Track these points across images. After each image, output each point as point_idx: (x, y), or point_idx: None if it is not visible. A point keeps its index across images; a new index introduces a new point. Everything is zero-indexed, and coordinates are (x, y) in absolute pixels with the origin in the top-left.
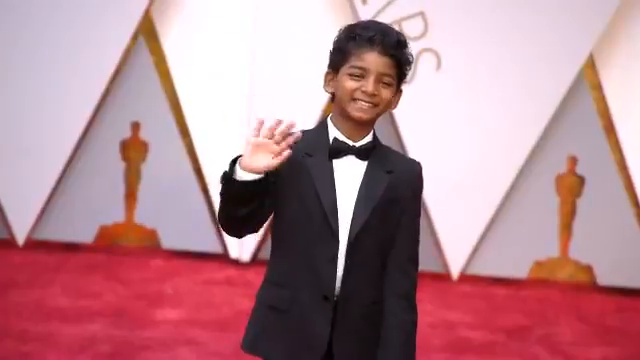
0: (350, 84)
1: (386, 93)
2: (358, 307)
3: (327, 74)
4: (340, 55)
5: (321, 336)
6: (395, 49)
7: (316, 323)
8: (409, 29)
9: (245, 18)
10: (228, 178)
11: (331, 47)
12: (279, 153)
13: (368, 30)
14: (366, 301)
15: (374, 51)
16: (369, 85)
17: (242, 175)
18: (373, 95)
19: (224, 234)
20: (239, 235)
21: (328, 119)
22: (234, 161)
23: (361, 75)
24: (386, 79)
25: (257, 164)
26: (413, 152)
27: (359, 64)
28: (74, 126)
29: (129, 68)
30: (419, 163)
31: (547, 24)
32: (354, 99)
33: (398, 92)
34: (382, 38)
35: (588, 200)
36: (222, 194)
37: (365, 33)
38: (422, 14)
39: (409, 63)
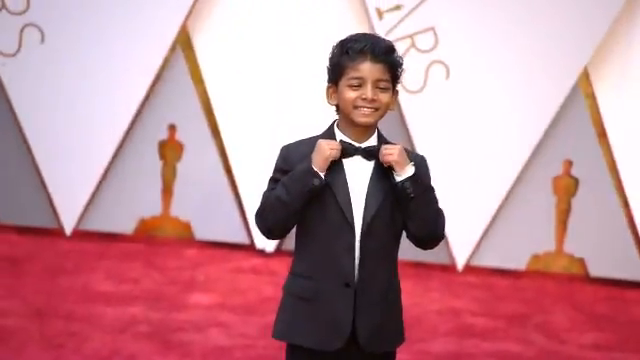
0: (350, 94)
1: (384, 97)
2: (376, 289)
3: (328, 88)
4: (337, 70)
5: (345, 320)
6: (385, 54)
7: (340, 309)
8: (421, 43)
9: (269, 32)
10: (313, 188)
11: (327, 63)
12: None
13: (358, 42)
14: (382, 283)
15: (367, 60)
16: (368, 92)
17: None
18: (373, 100)
19: (251, 226)
20: (278, 238)
21: (334, 126)
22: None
23: (359, 84)
24: (382, 84)
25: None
26: (423, 154)
27: (356, 75)
28: (117, 128)
29: (167, 76)
30: (423, 156)
31: (547, 39)
32: (356, 107)
33: (394, 93)
34: (372, 47)
35: (582, 199)
36: (289, 203)
37: (356, 46)
38: (433, 29)
39: (400, 65)
